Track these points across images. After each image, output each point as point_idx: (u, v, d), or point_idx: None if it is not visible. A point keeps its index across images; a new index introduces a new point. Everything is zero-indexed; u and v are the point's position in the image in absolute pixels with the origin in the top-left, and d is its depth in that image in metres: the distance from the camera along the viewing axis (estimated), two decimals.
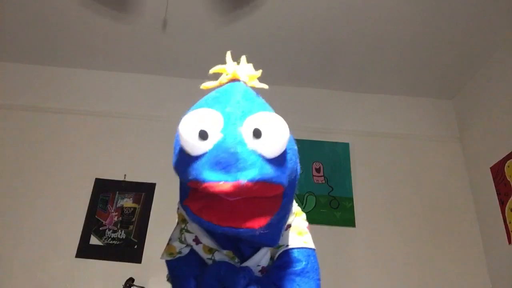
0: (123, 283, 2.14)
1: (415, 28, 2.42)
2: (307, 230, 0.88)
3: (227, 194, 0.57)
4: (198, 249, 0.84)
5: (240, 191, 0.57)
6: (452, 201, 2.64)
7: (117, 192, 2.54)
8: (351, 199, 2.60)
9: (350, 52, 2.65)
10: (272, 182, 0.60)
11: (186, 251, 0.86)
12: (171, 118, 2.87)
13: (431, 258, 2.45)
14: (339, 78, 2.89)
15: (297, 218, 0.89)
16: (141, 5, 2.35)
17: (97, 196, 2.52)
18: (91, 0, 2.35)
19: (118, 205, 2.51)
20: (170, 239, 0.89)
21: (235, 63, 0.74)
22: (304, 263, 0.80)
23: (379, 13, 2.34)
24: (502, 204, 2.32)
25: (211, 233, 0.82)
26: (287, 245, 0.83)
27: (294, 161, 0.67)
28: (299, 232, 0.85)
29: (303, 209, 0.94)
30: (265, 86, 0.72)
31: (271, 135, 0.60)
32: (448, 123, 2.92)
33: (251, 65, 0.74)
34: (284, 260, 0.81)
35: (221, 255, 0.81)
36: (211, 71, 0.74)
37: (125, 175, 2.57)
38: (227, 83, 0.72)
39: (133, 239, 2.41)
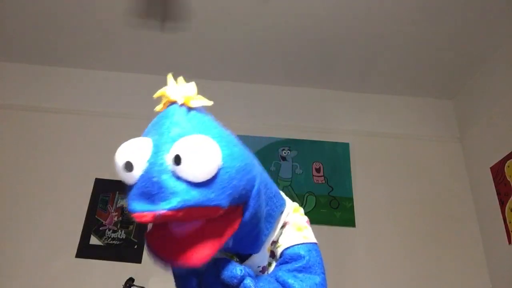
0: (123, 283, 2.14)
1: (415, 28, 2.42)
2: (306, 225, 0.88)
3: (150, 222, 0.59)
4: None
5: (162, 220, 0.58)
6: (452, 201, 2.64)
7: (117, 192, 2.54)
8: (351, 199, 2.60)
9: (350, 52, 2.65)
10: (203, 206, 0.60)
11: None
12: None
13: (431, 258, 2.45)
14: (339, 78, 2.89)
15: (295, 214, 0.89)
16: (141, 5, 2.35)
17: (97, 196, 2.52)
18: (91, 0, 2.35)
19: (118, 205, 2.51)
20: None
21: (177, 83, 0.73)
22: (306, 258, 0.79)
23: (379, 13, 2.34)
24: (502, 204, 2.32)
25: None
26: (287, 243, 0.83)
27: (239, 179, 0.65)
28: (298, 227, 0.85)
29: (303, 209, 0.94)
30: (208, 103, 0.70)
31: (192, 161, 0.59)
32: (448, 123, 2.92)
33: (192, 83, 0.72)
34: (285, 258, 0.81)
35: (220, 255, 0.82)
36: (155, 96, 0.73)
37: None
38: (168, 105, 0.71)
39: (133, 239, 2.41)
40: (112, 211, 2.49)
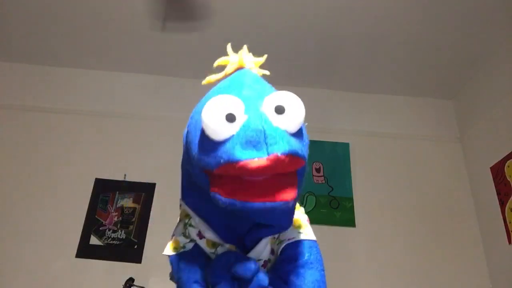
0: (123, 283, 2.13)
1: (415, 28, 2.42)
2: (307, 223, 0.89)
3: (264, 169, 0.59)
4: (202, 243, 0.85)
5: (275, 165, 0.59)
6: (452, 201, 2.64)
7: (117, 192, 2.54)
8: (351, 199, 2.60)
9: (350, 52, 2.65)
10: (298, 155, 0.62)
11: (190, 246, 0.86)
12: (171, 118, 2.87)
13: (431, 258, 2.45)
14: (339, 78, 2.89)
15: (296, 212, 0.90)
16: (141, 5, 2.35)
17: (97, 196, 2.52)
18: (91, 0, 2.35)
19: (118, 205, 2.51)
20: (173, 235, 0.89)
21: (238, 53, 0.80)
22: (307, 254, 0.81)
23: (379, 13, 2.34)
24: (502, 204, 2.32)
25: (214, 227, 0.83)
26: (289, 239, 0.83)
27: (307, 137, 0.71)
28: (299, 225, 0.86)
29: (303, 209, 0.95)
30: (267, 72, 0.79)
31: (292, 110, 0.64)
32: (448, 123, 2.92)
33: (251, 54, 0.80)
34: (287, 254, 0.81)
35: (224, 249, 0.82)
36: (216, 64, 0.77)
37: (125, 175, 2.57)
38: (233, 72, 0.75)
39: (133, 239, 2.41)
40: (112, 211, 2.49)
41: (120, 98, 2.85)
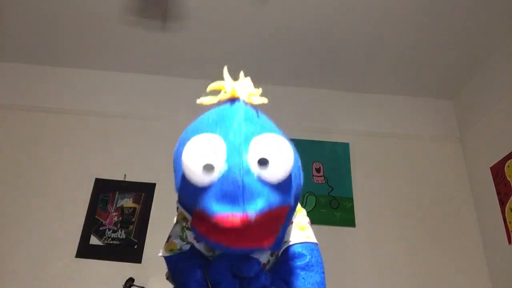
0: (123, 283, 2.14)
1: (415, 28, 2.42)
2: (308, 225, 0.89)
3: (238, 228, 0.57)
4: (199, 246, 0.85)
5: (249, 225, 0.57)
6: (452, 201, 2.64)
7: (117, 192, 2.54)
8: (351, 199, 2.60)
9: (350, 52, 2.65)
10: (281, 206, 0.61)
11: (186, 247, 0.86)
12: (171, 118, 2.86)
13: (431, 258, 2.45)
14: (339, 78, 2.89)
15: (298, 214, 0.90)
16: (141, 5, 2.35)
17: (97, 196, 2.52)
18: (91, 0, 2.35)
19: (118, 205, 2.51)
20: (170, 236, 0.89)
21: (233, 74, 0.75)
22: (308, 257, 0.81)
23: (379, 14, 2.34)
24: (502, 204, 2.32)
25: None
26: (290, 241, 0.83)
27: (298, 177, 0.68)
28: (301, 227, 0.86)
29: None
30: (265, 101, 0.71)
31: (277, 162, 0.60)
32: (448, 123, 2.92)
33: (249, 79, 0.73)
34: (288, 256, 0.81)
35: (220, 250, 0.82)
36: (209, 88, 0.72)
37: (125, 175, 2.57)
38: (226, 101, 0.70)
39: (133, 239, 2.41)
40: (112, 211, 2.49)
41: (120, 98, 2.85)
